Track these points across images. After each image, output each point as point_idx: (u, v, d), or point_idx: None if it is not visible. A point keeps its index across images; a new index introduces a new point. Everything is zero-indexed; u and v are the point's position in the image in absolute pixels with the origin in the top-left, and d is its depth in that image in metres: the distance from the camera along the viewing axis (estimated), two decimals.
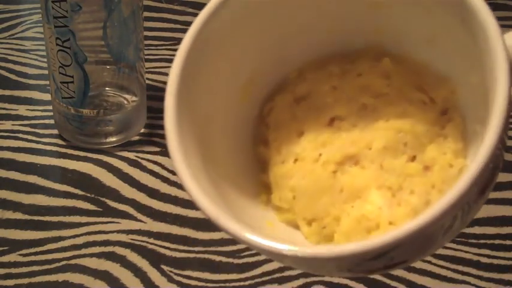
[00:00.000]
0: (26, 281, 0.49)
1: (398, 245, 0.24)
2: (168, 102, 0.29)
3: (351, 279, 0.51)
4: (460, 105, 0.30)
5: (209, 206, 0.28)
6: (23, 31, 0.76)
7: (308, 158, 0.31)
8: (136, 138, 0.62)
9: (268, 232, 0.30)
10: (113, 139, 0.61)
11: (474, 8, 0.26)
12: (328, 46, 0.33)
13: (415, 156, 0.30)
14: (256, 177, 0.33)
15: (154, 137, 0.62)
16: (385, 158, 0.30)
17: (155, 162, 0.60)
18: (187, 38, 0.29)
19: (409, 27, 0.31)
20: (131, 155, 0.60)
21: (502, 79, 0.25)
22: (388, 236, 0.24)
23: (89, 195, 0.56)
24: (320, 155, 0.31)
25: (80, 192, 0.57)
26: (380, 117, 0.31)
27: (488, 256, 0.53)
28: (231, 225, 0.28)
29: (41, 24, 0.57)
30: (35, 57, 0.72)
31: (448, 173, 0.29)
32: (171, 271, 0.51)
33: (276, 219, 0.32)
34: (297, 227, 0.31)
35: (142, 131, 0.63)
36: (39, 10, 0.57)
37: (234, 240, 0.56)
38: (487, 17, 0.26)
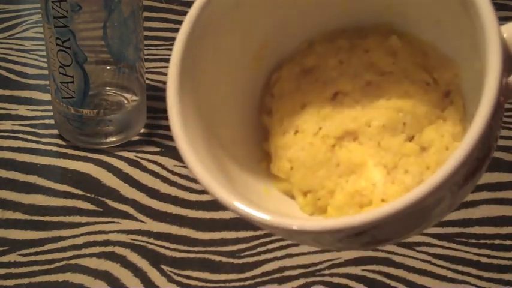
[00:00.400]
0: (26, 281, 0.49)
1: (377, 225, 0.25)
2: (171, 71, 0.29)
3: (351, 279, 0.51)
4: (462, 89, 0.31)
5: (202, 173, 0.28)
6: (23, 31, 0.76)
7: (308, 131, 0.31)
8: (136, 138, 0.62)
9: (262, 201, 0.31)
10: (113, 139, 0.61)
11: None
12: (340, 20, 0.33)
13: (413, 136, 0.30)
14: (258, 146, 0.33)
15: (154, 137, 0.62)
16: (383, 136, 0.30)
17: (155, 162, 0.60)
18: (195, 7, 0.29)
19: (419, 6, 0.31)
20: (131, 155, 0.60)
21: (494, 68, 0.25)
22: (366, 216, 0.25)
23: (89, 195, 0.56)
24: (320, 128, 0.31)
25: (80, 192, 0.57)
26: (382, 96, 0.31)
27: (488, 256, 0.53)
28: (221, 192, 0.28)
29: (41, 24, 0.57)
30: (35, 57, 0.72)
31: (444, 155, 0.29)
32: (171, 271, 0.51)
33: (273, 188, 0.32)
34: (293, 196, 0.32)
35: (142, 131, 0.63)
36: (39, 10, 0.57)
37: (234, 240, 0.57)
38: (484, 4, 0.26)
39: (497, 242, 0.54)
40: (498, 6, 0.92)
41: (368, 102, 0.31)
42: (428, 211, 0.27)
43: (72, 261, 0.51)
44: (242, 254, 0.52)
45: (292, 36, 0.33)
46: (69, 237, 0.53)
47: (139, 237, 0.53)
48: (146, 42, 0.70)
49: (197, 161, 0.28)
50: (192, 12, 0.29)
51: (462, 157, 0.24)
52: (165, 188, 0.58)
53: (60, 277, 0.50)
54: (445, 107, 0.31)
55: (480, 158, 0.26)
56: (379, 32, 0.32)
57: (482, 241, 0.54)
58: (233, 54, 0.32)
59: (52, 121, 0.62)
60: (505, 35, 0.27)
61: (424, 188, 0.24)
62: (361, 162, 0.30)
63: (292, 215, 0.30)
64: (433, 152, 0.30)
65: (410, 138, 0.30)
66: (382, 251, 0.53)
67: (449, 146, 0.30)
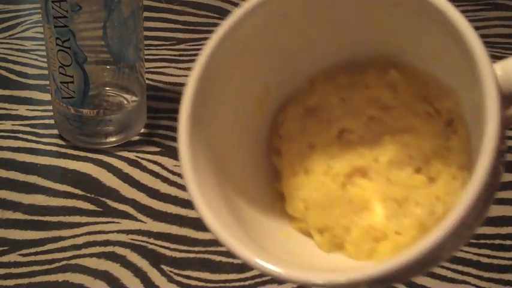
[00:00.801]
0: (26, 281, 0.49)
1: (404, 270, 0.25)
2: (181, 118, 0.30)
3: None
4: (464, 116, 0.31)
5: (217, 227, 0.29)
6: (23, 31, 0.76)
7: (318, 171, 0.32)
8: (136, 138, 0.62)
9: (279, 245, 0.31)
10: (113, 139, 0.61)
11: (461, 32, 0.27)
12: (338, 56, 0.33)
13: (420, 168, 0.31)
14: (271, 186, 0.34)
15: (154, 137, 0.62)
16: (391, 170, 0.31)
17: (155, 162, 0.60)
18: (205, 54, 0.30)
19: (416, 40, 0.31)
20: (131, 155, 0.60)
21: (492, 116, 0.25)
22: (398, 260, 0.25)
23: (89, 195, 0.56)
24: (329, 167, 0.32)
25: (80, 192, 0.57)
26: (387, 131, 0.31)
27: (488, 256, 0.53)
28: (241, 250, 0.28)
29: (41, 24, 0.57)
30: (35, 57, 0.72)
31: (452, 185, 0.30)
32: (171, 271, 0.51)
33: (290, 228, 0.33)
34: (310, 235, 0.32)
35: (142, 131, 0.63)
36: (39, 10, 0.57)
37: None
38: (475, 44, 0.26)
39: (497, 242, 0.54)
40: (498, 6, 0.92)
41: (373, 138, 0.32)
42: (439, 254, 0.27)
43: (72, 261, 0.51)
44: None
45: (292, 75, 0.34)
46: (69, 237, 0.53)
47: (139, 237, 0.53)
48: (146, 42, 0.70)
49: (212, 216, 0.29)
50: (202, 59, 0.30)
51: (466, 206, 0.25)
52: (165, 188, 0.58)
53: (60, 277, 0.50)
54: (449, 137, 0.31)
55: (486, 198, 0.26)
56: (378, 65, 0.33)
57: (482, 241, 0.54)
58: (238, 98, 0.32)
59: (52, 121, 0.62)
60: (499, 74, 0.27)
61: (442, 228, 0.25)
62: (372, 197, 0.31)
63: (312, 265, 0.31)
64: (441, 183, 0.30)
65: (418, 170, 0.31)
66: None
67: (456, 176, 0.30)
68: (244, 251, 0.28)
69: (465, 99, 0.31)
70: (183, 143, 0.29)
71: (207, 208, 0.29)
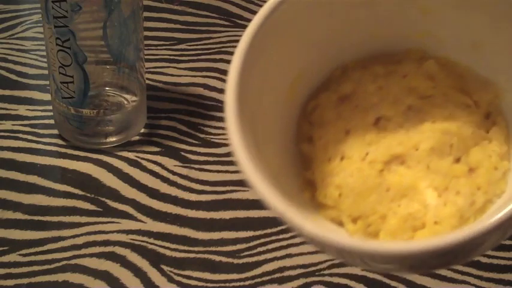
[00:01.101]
0: (26, 281, 0.49)
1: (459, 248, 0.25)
2: (229, 99, 0.29)
3: (351, 279, 0.51)
4: (503, 109, 0.31)
5: (277, 201, 0.28)
6: (23, 31, 0.76)
7: (355, 157, 0.31)
8: (136, 138, 0.62)
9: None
10: (113, 139, 0.61)
11: None
12: (371, 46, 0.33)
13: (460, 158, 0.31)
14: (299, 174, 0.33)
15: (154, 137, 0.62)
16: (431, 158, 0.30)
17: (155, 162, 0.60)
18: (247, 35, 0.30)
19: (456, 31, 0.31)
20: (131, 155, 0.60)
21: None
22: (456, 235, 0.25)
23: (89, 195, 0.56)
24: (367, 153, 0.31)
25: (80, 192, 0.57)
26: (426, 119, 0.31)
27: (488, 256, 0.53)
28: (297, 219, 0.27)
29: (41, 24, 0.57)
30: (35, 57, 0.72)
31: (494, 175, 0.30)
32: (171, 271, 0.51)
33: (319, 217, 0.32)
34: (339, 224, 0.31)
35: (142, 131, 0.63)
36: (39, 10, 0.57)
37: (233, 240, 0.56)
38: None
39: None
40: None
41: (412, 126, 0.31)
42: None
43: (72, 261, 0.51)
44: (242, 254, 0.52)
45: (325, 63, 0.33)
46: (69, 237, 0.53)
47: (139, 237, 0.53)
48: (146, 42, 0.70)
49: (270, 191, 0.28)
50: (245, 37, 0.30)
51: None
52: (165, 188, 0.58)
53: (60, 277, 0.50)
54: (489, 128, 0.31)
55: None
56: (412, 57, 0.33)
57: None
58: (273, 85, 0.32)
59: (52, 121, 0.62)
60: None
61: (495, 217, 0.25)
62: (412, 185, 0.30)
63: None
64: (482, 173, 0.30)
65: (457, 160, 0.31)
66: None
67: (497, 166, 0.30)
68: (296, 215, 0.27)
69: (506, 91, 0.30)
70: (231, 118, 0.29)
71: (264, 183, 0.28)
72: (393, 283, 0.51)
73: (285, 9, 0.30)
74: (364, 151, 0.31)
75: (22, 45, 0.73)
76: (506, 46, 0.28)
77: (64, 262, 0.51)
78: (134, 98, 0.61)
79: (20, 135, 0.62)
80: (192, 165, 0.60)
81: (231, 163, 0.59)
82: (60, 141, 0.61)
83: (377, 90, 0.32)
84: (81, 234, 0.53)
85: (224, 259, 0.52)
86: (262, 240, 0.53)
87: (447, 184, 0.30)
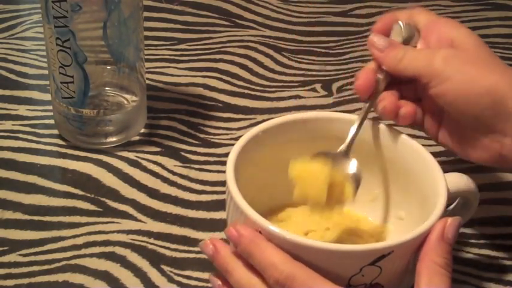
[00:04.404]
0: (26, 281, 0.49)
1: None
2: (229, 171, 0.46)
3: None
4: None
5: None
6: (23, 31, 0.76)
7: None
8: (137, 138, 0.62)
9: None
10: (113, 139, 0.61)
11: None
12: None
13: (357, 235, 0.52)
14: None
15: (154, 137, 0.62)
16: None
17: (155, 162, 0.60)
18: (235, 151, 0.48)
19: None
20: (131, 155, 0.60)
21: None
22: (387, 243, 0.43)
23: (89, 195, 0.57)
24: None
25: (80, 192, 0.57)
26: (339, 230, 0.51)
27: (488, 256, 0.53)
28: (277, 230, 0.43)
29: (41, 24, 0.57)
30: (35, 57, 0.72)
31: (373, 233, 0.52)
32: (171, 271, 0.51)
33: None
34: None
35: (142, 131, 0.63)
36: (39, 10, 0.57)
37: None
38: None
39: (497, 242, 0.54)
40: (498, 6, 0.92)
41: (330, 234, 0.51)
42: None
43: (72, 261, 0.51)
44: None
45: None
46: (69, 237, 0.53)
47: (139, 237, 0.53)
48: (146, 42, 0.70)
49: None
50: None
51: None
52: (165, 188, 0.58)
53: (60, 277, 0.50)
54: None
55: None
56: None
57: (482, 241, 0.54)
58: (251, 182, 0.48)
59: (52, 121, 0.62)
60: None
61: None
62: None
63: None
64: (366, 236, 0.52)
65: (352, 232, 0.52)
66: None
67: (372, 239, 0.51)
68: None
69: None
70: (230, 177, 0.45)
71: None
72: None
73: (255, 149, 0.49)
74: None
75: (22, 45, 0.74)
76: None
77: (64, 262, 0.51)
78: (134, 98, 0.61)
79: (20, 135, 0.62)
80: (192, 165, 0.60)
81: None
82: (60, 141, 0.61)
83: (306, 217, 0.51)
84: (81, 234, 0.53)
85: None
86: None
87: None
